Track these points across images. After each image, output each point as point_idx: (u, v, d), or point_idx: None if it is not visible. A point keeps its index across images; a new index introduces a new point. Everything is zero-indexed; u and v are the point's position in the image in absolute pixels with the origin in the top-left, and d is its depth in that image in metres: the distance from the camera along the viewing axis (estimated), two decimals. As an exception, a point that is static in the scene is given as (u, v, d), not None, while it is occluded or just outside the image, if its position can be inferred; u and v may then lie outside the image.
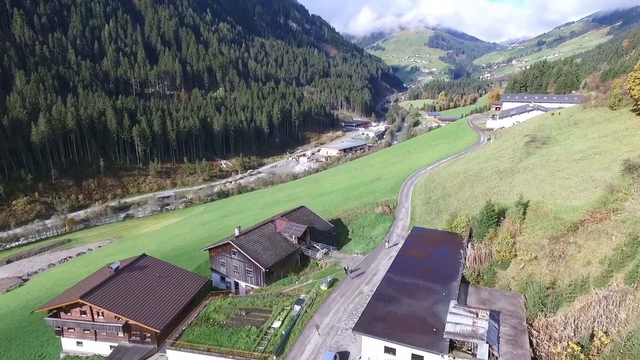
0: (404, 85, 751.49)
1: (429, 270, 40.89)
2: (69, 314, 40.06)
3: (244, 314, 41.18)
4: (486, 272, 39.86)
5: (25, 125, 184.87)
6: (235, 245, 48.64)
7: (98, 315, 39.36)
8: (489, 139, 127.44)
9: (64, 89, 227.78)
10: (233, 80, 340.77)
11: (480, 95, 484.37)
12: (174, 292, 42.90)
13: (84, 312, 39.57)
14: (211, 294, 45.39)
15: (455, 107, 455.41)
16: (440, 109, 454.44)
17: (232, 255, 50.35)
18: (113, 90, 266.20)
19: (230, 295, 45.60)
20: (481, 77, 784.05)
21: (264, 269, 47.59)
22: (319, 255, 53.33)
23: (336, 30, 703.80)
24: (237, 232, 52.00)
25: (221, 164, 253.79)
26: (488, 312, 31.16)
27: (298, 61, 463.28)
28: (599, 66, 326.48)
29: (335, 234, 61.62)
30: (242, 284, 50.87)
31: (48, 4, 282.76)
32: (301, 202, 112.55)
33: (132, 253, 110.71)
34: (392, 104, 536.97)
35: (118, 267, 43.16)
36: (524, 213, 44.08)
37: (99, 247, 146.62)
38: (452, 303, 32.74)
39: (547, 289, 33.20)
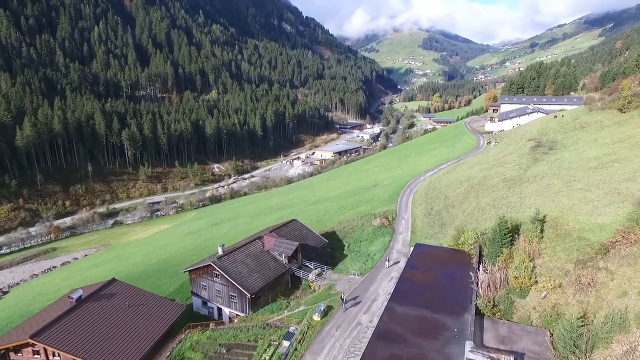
0: (399, 87, 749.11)
1: (436, 299, 35.76)
2: (19, 354, 34.51)
3: (224, 351, 35.74)
4: (502, 300, 34.76)
5: (10, 129, 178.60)
6: (217, 268, 43.23)
7: (54, 356, 33.86)
8: (489, 143, 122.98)
9: (51, 92, 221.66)
10: (226, 82, 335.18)
11: (475, 97, 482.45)
12: (146, 325, 37.37)
13: (37, 352, 34.04)
14: (188, 327, 39.63)
15: (450, 108, 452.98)
16: (435, 111, 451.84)
17: (215, 278, 44.87)
18: (103, 93, 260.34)
19: (210, 327, 40.00)
20: (475, 78, 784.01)
21: (249, 295, 42.21)
22: (311, 276, 47.89)
23: (330, 32, 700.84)
24: (220, 251, 46.55)
25: (213, 167, 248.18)
26: (512, 358, 26.09)
27: (292, 63, 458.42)
28: (594, 67, 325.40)
29: (329, 250, 56.21)
30: (226, 310, 45.39)
31: (36, 5, 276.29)
32: (294, 209, 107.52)
33: (117, 263, 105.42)
34: (386, 105, 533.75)
35: (80, 296, 37.43)
36: (542, 231, 39.09)
37: (85, 255, 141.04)
38: (468, 345, 27.62)
39: (580, 326, 28.11)
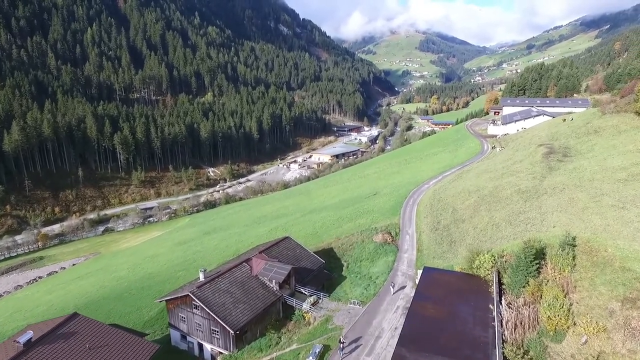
0: (396, 89, 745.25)
1: (453, 341, 30.03)
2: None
3: (200, 406, 30.19)
4: (533, 345, 29.07)
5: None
6: (195, 299, 37.41)
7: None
8: (493, 148, 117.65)
9: (41, 95, 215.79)
10: (222, 84, 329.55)
11: (473, 99, 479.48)
12: (108, 372, 31.56)
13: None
14: (158, 376, 34.00)
15: (448, 110, 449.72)
16: (433, 113, 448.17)
17: (194, 310, 38.98)
18: (95, 95, 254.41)
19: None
20: (472, 80, 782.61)
21: (232, 332, 36.41)
22: (305, 305, 41.87)
23: (327, 34, 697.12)
24: (201, 277, 40.77)
25: (208, 172, 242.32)
26: None
27: (289, 65, 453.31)
28: (594, 69, 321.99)
29: (326, 272, 50.24)
30: (208, 346, 39.53)
31: (27, 7, 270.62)
32: (289, 219, 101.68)
33: (103, 276, 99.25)
34: (384, 108, 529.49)
35: (30, 339, 31.40)
36: (574, 257, 33.47)
37: (73, 265, 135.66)
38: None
39: (641, 392, 22.55)
